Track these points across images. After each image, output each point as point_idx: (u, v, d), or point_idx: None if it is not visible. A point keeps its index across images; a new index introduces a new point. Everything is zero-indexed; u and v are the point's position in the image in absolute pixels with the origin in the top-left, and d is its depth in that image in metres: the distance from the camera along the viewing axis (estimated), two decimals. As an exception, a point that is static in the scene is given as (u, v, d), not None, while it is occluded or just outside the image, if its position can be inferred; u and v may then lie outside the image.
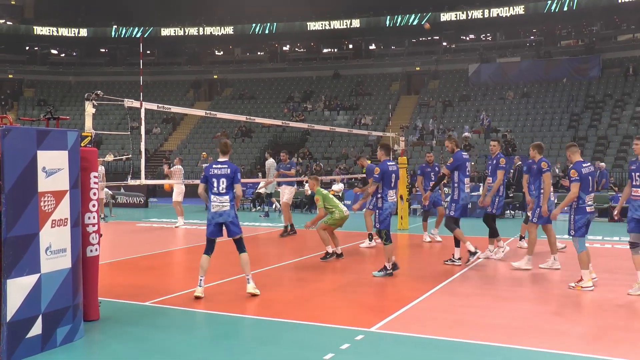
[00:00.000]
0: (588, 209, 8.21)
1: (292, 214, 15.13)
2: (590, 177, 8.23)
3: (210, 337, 6.03)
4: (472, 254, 9.82)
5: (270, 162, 18.12)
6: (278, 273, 9.47)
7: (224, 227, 7.63)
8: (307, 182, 22.41)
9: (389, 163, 9.05)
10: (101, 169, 18.99)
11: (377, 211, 9.06)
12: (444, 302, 7.44)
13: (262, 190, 21.70)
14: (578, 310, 7.20)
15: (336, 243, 10.47)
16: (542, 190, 9.58)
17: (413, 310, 6.95)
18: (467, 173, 9.88)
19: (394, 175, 9.02)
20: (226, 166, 7.67)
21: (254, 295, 7.52)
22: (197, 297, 7.41)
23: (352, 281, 8.80)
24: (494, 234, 10.56)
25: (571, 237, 8.24)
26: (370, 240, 12.08)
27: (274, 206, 21.26)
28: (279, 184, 14.91)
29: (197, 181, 10.77)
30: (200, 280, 7.56)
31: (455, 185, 9.74)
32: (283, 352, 5.51)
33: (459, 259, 9.87)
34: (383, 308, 7.07)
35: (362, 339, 5.83)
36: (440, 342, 5.79)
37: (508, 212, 19.41)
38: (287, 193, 14.60)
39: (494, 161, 10.53)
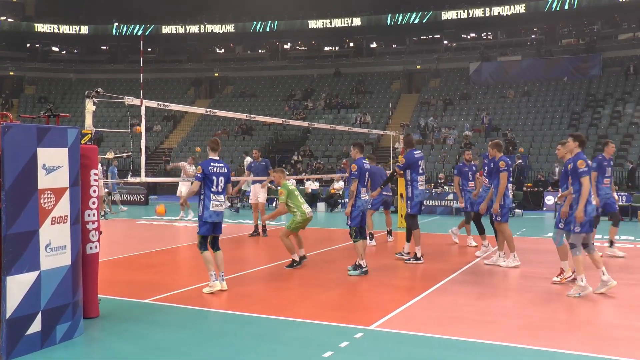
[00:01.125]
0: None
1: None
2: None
3: (210, 335, 6.04)
4: (416, 258, 9.94)
5: (248, 160, 18.32)
6: (277, 271, 9.47)
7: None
8: (308, 180, 22.55)
9: (363, 161, 9.21)
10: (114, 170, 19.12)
11: (352, 209, 9.08)
12: (443, 300, 7.45)
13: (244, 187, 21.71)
14: (577, 308, 7.20)
15: (300, 245, 9.65)
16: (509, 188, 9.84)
17: (412, 308, 6.95)
18: (421, 171, 9.96)
19: (367, 173, 9.20)
20: (222, 165, 7.74)
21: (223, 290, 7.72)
22: (223, 290, 7.67)
23: (351, 279, 8.80)
24: (480, 231, 10.69)
25: (557, 230, 8.32)
26: (371, 239, 12.07)
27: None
28: (253, 182, 14.32)
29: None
30: (212, 274, 7.70)
31: (409, 183, 9.89)
32: (283, 350, 5.52)
33: (408, 253, 10.22)
34: (382, 306, 7.07)
35: (362, 337, 5.84)
36: (440, 340, 5.80)
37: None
38: (262, 193, 14.01)
39: (492, 164, 10.08)
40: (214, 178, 7.55)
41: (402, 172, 10.04)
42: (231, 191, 7.68)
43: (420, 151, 10.38)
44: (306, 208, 9.52)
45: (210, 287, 7.66)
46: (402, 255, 10.29)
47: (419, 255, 9.93)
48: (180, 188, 17.49)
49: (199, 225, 7.75)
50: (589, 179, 7.53)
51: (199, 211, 7.68)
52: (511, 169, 10.11)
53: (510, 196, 9.92)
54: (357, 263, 9.03)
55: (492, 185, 9.95)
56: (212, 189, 7.56)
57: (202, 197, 7.62)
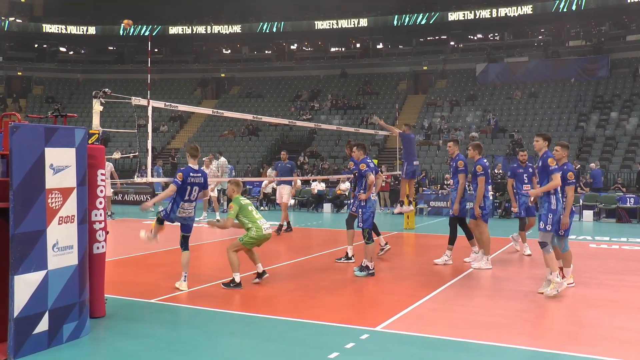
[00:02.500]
0: (573, 208, 8.38)
1: (294, 212, 15.20)
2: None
3: (216, 335, 6.04)
4: (347, 257, 10.17)
5: (222, 161, 18.50)
6: (283, 272, 9.47)
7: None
8: (314, 181, 22.54)
9: (368, 160, 9.29)
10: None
11: (361, 210, 9.14)
12: (450, 302, 7.43)
13: (267, 190, 21.81)
14: (582, 311, 7.17)
15: (255, 260, 8.46)
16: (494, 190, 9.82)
17: (418, 310, 6.94)
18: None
19: (374, 172, 9.29)
20: (200, 175, 7.90)
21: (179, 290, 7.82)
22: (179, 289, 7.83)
23: (356, 280, 8.79)
24: (451, 240, 10.13)
25: (543, 231, 8.26)
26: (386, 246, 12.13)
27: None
28: (278, 183, 14.75)
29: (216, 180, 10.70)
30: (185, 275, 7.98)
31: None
32: (288, 351, 5.52)
33: (383, 249, 10.43)
34: (388, 307, 7.06)
35: (367, 338, 5.83)
36: (446, 342, 5.78)
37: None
38: (285, 193, 14.44)
39: (454, 163, 10.05)
40: (189, 187, 7.72)
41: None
42: (207, 196, 7.93)
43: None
44: (263, 223, 8.29)
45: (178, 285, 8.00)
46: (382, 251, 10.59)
47: (350, 254, 10.27)
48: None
49: (163, 215, 8.04)
50: (559, 176, 7.69)
51: (167, 208, 7.91)
52: (489, 171, 10.03)
53: (491, 198, 9.89)
54: (364, 264, 9.02)
55: (453, 184, 10.12)
56: (185, 197, 7.75)
57: (173, 199, 7.83)
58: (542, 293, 7.63)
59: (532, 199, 9.26)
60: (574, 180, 8.08)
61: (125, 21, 9.66)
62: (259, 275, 8.35)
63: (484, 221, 9.72)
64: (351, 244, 10.20)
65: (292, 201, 19.68)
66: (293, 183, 14.59)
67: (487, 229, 9.77)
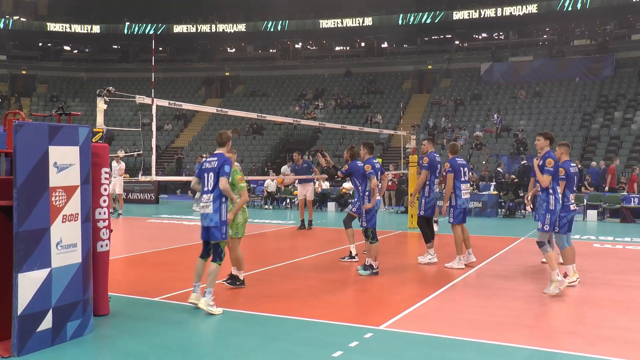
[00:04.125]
0: (572, 207, 8.38)
1: (297, 211, 15.38)
2: (575, 177, 8.45)
3: (220, 334, 6.04)
4: (351, 256, 10.18)
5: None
6: (287, 271, 9.47)
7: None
8: (319, 179, 22.52)
9: (374, 161, 9.28)
10: None
11: (359, 208, 9.18)
12: (454, 301, 7.42)
13: (271, 189, 21.86)
14: (585, 311, 7.15)
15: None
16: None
17: (422, 309, 6.93)
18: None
19: (379, 172, 9.27)
20: (215, 159, 6.90)
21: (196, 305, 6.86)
22: (193, 303, 6.90)
23: (361, 279, 8.79)
24: (427, 238, 10.13)
25: (555, 234, 8.30)
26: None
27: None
28: (299, 182, 15.24)
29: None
30: (195, 286, 7.04)
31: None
32: (293, 349, 5.52)
33: (356, 254, 10.22)
34: (392, 306, 7.05)
35: (371, 337, 5.83)
36: (450, 341, 5.77)
37: (519, 212, 19.34)
38: (308, 191, 15.11)
39: (420, 160, 10.24)
40: (204, 175, 6.93)
41: (343, 176, 10.03)
42: (223, 186, 6.70)
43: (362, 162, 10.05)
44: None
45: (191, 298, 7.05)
46: (353, 258, 10.31)
47: (354, 253, 10.24)
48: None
49: None
50: (549, 179, 7.70)
51: None
52: (464, 169, 10.04)
53: (463, 197, 9.85)
54: (368, 263, 9.02)
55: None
56: (203, 188, 6.96)
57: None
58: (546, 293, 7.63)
59: (528, 202, 9.36)
60: (563, 176, 8.15)
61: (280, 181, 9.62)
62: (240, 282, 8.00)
63: (457, 222, 9.76)
64: (353, 242, 10.20)
65: (295, 200, 19.76)
66: (315, 180, 15.06)
67: (459, 229, 9.77)
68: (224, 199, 6.81)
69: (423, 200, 10.05)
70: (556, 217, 7.71)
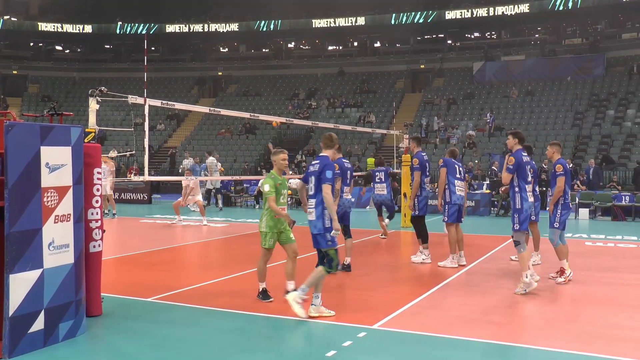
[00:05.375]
0: (570, 205, 8.56)
1: (291, 210, 15.29)
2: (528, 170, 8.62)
3: (214, 333, 6.04)
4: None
5: (211, 160, 18.64)
6: (281, 270, 9.46)
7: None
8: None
9: (343, 160, 9.30)
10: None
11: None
12: (447, 300, 7.44)
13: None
14: (579, 308, 7.19)
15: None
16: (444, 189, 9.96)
17: (415, 308, 6.95)
18: (348, 182, 9.52)
19: (349, 172, 9.25)
20: (317, 162, 6.61)
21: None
22: (312, 317, 6.46)
23: (354, 278, 8.80)
24: (423, 238, 10.15)
25: (552, 228, 8.38)
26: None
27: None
28: None
29: (203, 178, 10.51)
30: (314, 297, 6.56)
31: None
32: (286, 349, 5.52)
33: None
34: (386, 305, 7.06)
35: (365, 336, 5.83)
36: (443, 340, 5.79)
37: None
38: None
39: (412, 161, 10.27)
40: (309, 178, 6.70)
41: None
42: (325, 194, 6.36)
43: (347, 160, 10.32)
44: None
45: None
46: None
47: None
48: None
49: None
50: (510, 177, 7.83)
51: None
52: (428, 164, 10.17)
53: (458, 192, 9.85)
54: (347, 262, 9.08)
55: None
56: (309, 193, 6.70)
57: None
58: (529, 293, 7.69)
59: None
60: (562, 172, 8.25)
61: (274, 123, 9.36)
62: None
63: (450, 221, 9.78)
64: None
65: (290, 200, 19.76)
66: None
67: (453, 229, 9.78)
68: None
69: (416, 199, 10.06)
70: (526, 215, 7.73)
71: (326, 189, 6.36)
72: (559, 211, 8.33)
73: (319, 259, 6.66)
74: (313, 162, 6.71)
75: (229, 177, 21.96)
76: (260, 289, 7.25)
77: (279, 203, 7.02)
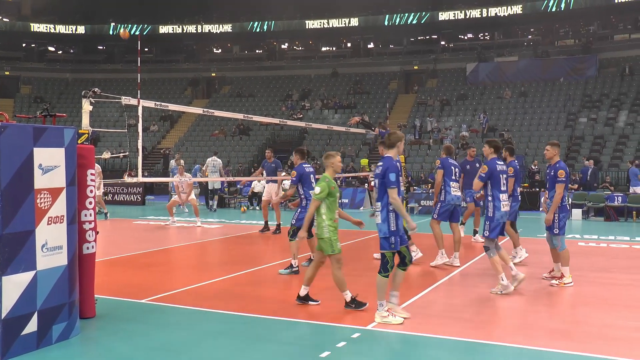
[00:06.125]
0: (568, 207, 8.58)
1: (284, 212, 15.26)
2: (500, 176, 8.68)
3: (208, 335, 6.03)
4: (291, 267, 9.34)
5: (211, 160, 18.64)
6: (274, 271, 9.46)
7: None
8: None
9: (304, 165, 9.46)
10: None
11: (299, 209, 9.18)
12: (440, 300, 7.46)
13: (257, 189, 21.85)
14: (573, 309, 7.22)
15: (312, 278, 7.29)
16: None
17: (409, 308, 6.94)
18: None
19: (312, 176, 9.36)
20: (381, 164, 6.48)
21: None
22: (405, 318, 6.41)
23: (348, 280, 8.78)
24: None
25: (554, 235, 8.30)
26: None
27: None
28: (268, 182, 14.83)
29: (199, 179, 10.35)
30: (392, 295, 6.51)
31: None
32: (280, 350, 5.52)
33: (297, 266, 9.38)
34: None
35: (359, 337, 5.84)
36: (437, 340, 5.80)
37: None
38: (273, 192, 14.36)
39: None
40: (375, 181, 6.60)
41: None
42: (392, 198, 6.24)
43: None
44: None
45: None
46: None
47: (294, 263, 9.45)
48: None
49: None
50: (481, 184, 7.94)
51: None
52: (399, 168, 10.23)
53: (453, 193, 9.95)
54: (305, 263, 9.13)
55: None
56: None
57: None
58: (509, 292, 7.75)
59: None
60: (564, 179, 8.14)
61: (122, 32, 9.51)
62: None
63: (440, 218, 9.98)
64: (296, 254, 9.42)
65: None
66: (278, 182, 14.56)
67: (438, 226, 9.96)
68: (391, 207, 6.29)
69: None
70: (496, 224, 7.78)
71: (392, 193, 6.21)
72: (557, 216, 8.22)
73: (400, 260, 6.51)
74: (378, 164, 6.53)
75: (239, 179, 22.02)
76: (348, 299, 6.90)
77: (333, 207, 6.91)
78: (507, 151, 9.67)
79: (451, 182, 10.00)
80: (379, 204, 6.39)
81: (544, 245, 9.70)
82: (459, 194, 10.21)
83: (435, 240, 9.92)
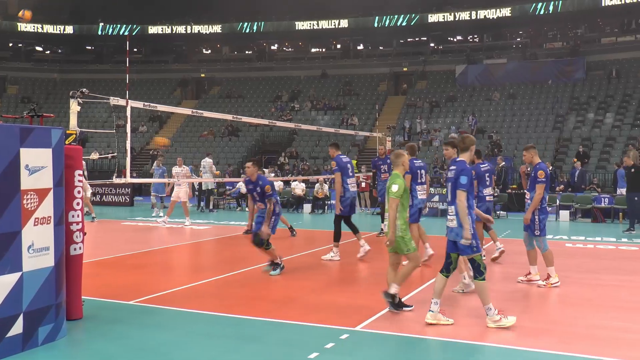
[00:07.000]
0: (548, 209, 8.63)
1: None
2: (485, 175, 9.32)
3: (195, 336, 6.01)
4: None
5: (207, 161, 18.88)
6: (260, 273, 9.44)
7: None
8: (294, 181, 22.52)
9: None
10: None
11: (274, 217, 9.02)
12: (428, 302, 7.46)
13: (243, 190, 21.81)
14: (560, 310, 7.26)
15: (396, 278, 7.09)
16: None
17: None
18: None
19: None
20: (454, 167, 6.37)
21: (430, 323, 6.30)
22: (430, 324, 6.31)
23: (337, 280, 8.81)
24: (336, 237, 10.50)
25: (535, 237, 8.35)
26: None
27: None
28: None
29: (194, 180, 10.22)
30: (432, 302, 6.36)
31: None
32: (268, 351, 5.51)
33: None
34: (368, 307, 7.07)
35: (347, 338, 5.84)
36: (425, 341, 5.82)
37: (494, 213, 19.53)
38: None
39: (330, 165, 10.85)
40: (447, 185, 6.57)
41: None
42: (460, 202, 6.17)
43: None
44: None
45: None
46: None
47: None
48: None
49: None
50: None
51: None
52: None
53: (419, 197, 10.02)
54: (276, 261, 9.15)
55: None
56: (447, 199, 6.62)
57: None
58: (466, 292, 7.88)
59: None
60: (544, 179, 8.22)
61: (23, 13, 9.19)
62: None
63: (412, 221, 9.76)
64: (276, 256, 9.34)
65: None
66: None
67: (415, 228, 9.86)
68: (469, 210, 6.19)
69: (339, 199, 10.34)
70: (414, 211, 8.29)
71: (460, 195, 6.15)
72: (537, 217, 8.27)
73: (445, 265, 6.45)
74: (451, 168, 6.45)
75: (236, 179, 22.08)
76: (392, 291, 6.84)
77: (406, 204, 6.84)
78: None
79: (417, 186, 10.00)
80: (454, 208, 6.30)
81: (522, 247, 9.78)
82: (425, 196, 10.29)
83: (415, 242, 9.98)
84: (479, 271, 6.29)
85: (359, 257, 10.48)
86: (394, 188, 6.66)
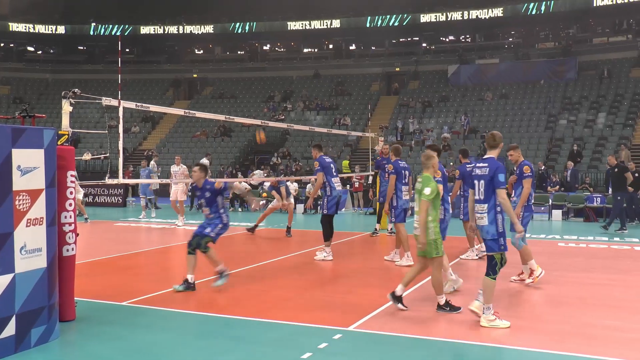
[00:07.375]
0: (541, 208, 8.72)
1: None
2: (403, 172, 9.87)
3: (189, 337, 6.00)
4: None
5: (205, 161, 18.94)
6: (257, 273, 9.44)
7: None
8: (287, 181, 22.43)
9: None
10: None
11: (221, 226, 8.49)
12: (420, 301, 7.49)
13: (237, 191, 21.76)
14: (551, 308, 7.29)
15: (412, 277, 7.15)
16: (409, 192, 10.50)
17: (390, 309, 6.97)
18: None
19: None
20: (486, 165, 6.32)
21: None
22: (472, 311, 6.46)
23: (330, 281, 8.81)
24: (326, 237, 10.52)
25: (513, 232, 8.41)
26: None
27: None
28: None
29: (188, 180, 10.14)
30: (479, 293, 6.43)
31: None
32: (262, 351, 5.51)
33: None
34: (361, 307, 7.08)
35: (340, 338, 5.85)
36: (418, 341, 5.83)
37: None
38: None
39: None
40: (475, 182, 6.50)
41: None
42: (501, 198, 6.19)
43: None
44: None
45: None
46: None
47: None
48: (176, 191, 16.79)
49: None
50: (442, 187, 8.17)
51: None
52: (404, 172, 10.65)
53: (403, 197, 10.14)
54: (219, 270, 8.22)
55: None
56: (475, 197, 6.54)
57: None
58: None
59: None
60: (530, 173, 8.38)
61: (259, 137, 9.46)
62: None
63: (399, 221, 10.08)
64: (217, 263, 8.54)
65: (262, 201, 19.64)
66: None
67: (403, 227, 10.00)
68: (499, 209, 6.22)
69: (325, 199, 10.41)
70: (445, 226, 8.27)
71: (501, 193, 6.17)
72: (521, 214, 8.34)
73: (490, 267, 6.36)
74: (479, 165, 6.41)
75: (233, 180, 21.93)
76: (442, 302, 6.82)
77: (437, 206, 6.78)
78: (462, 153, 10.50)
79: (402, 187, 10.12)
80: (485, 205, 6.27)
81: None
82: (409, 197, 10.35)
83: (401, 243, 10.04)
84: (493, 270, 6.29)
85: (315, 259, 10.46)
86: (427, 191, 6.61)
